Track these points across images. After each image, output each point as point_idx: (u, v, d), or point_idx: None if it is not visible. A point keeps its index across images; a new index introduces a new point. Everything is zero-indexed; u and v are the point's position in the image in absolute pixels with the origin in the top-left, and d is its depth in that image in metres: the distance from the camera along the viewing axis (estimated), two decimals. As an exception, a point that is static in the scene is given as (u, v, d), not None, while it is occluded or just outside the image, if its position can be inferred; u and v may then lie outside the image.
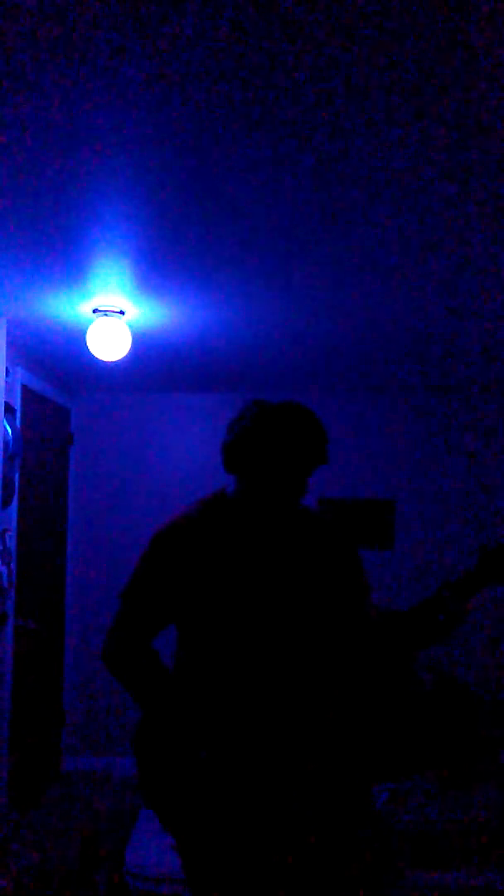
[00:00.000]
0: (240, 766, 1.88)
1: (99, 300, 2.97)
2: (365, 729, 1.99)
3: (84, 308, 3.06)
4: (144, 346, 3.62)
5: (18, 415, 3.83)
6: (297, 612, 1.93)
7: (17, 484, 3.82)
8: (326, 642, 1.95)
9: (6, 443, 3.50)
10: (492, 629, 4.71)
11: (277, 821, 1.88)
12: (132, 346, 3.36)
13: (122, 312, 3.07)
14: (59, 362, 4.11)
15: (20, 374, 3.90)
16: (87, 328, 3.17)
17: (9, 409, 3.62)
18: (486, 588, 1.91)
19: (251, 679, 1.90)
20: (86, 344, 3.21)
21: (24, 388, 3.99)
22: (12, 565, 3.77)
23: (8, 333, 3.35)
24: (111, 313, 3.06)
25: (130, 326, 3.23)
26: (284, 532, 1.99)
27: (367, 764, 2.00)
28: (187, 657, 1.99)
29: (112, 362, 3.60)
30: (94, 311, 3.06)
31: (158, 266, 2.61)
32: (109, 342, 3.09)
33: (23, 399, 3.95)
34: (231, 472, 1.98)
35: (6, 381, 3.52)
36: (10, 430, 3.56)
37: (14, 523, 3.85)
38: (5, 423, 3.48)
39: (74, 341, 3.45)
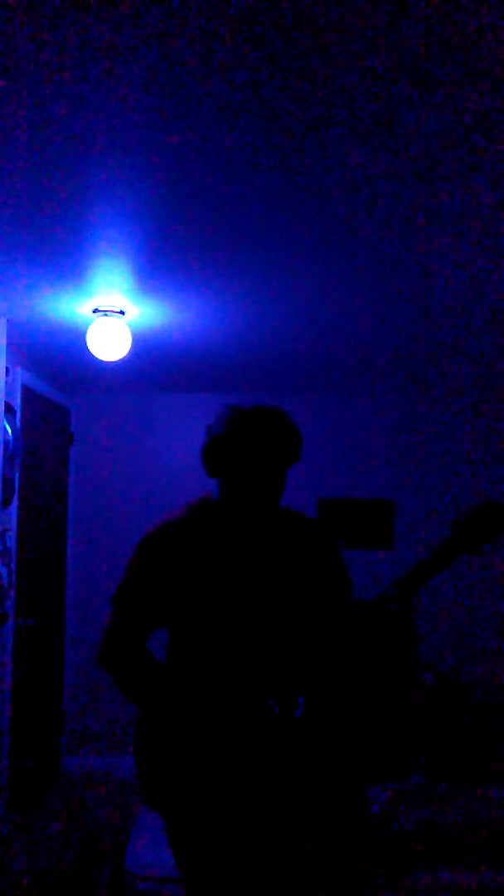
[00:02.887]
0: (231, 764, 1.90)
1: (99, 300, 2.97)
2: (360, 725, 2.01)
3: (84, 308, 3.06)
4: (144, 346, 3.62)
5: (18, 415, 3.83)
6: (278, 609, 1.98)
7: (17, 484, 3.82)
8: (308, 636, 1.99)
9: (6, 443, 3.50)
10: (494, 630, 4.72)
11: (269, 818, 1.90)
12: (132, 346, 3.36)
13: (122, 312, 3.07)
14: (59, 362, 4.10)
15: (20, 374, 3.90)
16: (87, 328, 3.17)
17: (9, 409, 3.62)
18: (459, 557, 1.96)
19: (239, 678, 1.92)
20: (86, 344, 3.21)
21: (24, 388, 3.99)
22: (12, 565, 3.77)
23: (8, 333, 3.35)
24: (111, 313, 3.06)
25: (130, 326, 3.23)
26: (265, 533, 2.04)
27: (360, 760, 2.02)
28: (178, 657, 2.02)
29: (112, 362, 3.60)
30: (94, 311, 3.06)
31: (158, 266, 2.61)
32: (109, 342, 3.09)
33: (23, 399, 3.95)
34: (211, 476, 2.04)
35: (6, 381, 3.52)
36: (10, 430, 3.56)
37: (14, 523, 3.85)
38: (5, 423, 3.48)
39: (74, 341, 3.45)
